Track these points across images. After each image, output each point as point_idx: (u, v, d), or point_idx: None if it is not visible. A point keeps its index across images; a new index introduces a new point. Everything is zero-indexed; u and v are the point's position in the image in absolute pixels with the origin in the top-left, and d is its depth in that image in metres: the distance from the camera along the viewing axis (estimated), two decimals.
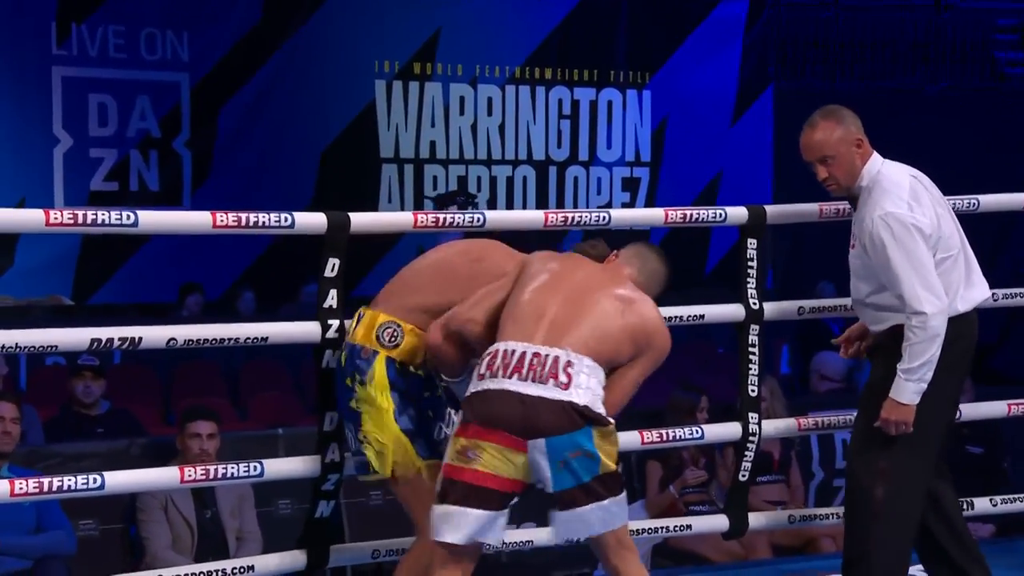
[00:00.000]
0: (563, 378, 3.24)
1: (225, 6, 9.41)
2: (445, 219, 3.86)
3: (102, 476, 3.42)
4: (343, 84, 9.73)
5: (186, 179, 9.35)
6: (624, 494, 3.32)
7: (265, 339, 3.64)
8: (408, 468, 3.50)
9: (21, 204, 8.31)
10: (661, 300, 4.36)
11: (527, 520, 5.87)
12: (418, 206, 9.74)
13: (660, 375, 8.88)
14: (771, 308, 4.25)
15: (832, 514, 4.51)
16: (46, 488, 3.34)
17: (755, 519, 4.34)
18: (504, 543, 4.00)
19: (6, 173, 8.63)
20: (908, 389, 3.69)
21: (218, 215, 3.53)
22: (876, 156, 3.83)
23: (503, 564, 4.80)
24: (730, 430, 4.25)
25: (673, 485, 5.84)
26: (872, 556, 3.75)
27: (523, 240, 3.76)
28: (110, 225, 3.37)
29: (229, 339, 3.60)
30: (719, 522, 4.31)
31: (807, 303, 4.36)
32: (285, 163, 9.46)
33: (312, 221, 3.64)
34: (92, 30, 8.98)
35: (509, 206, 10.12)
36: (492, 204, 10.13)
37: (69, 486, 3.37)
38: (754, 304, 4.18)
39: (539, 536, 4.04)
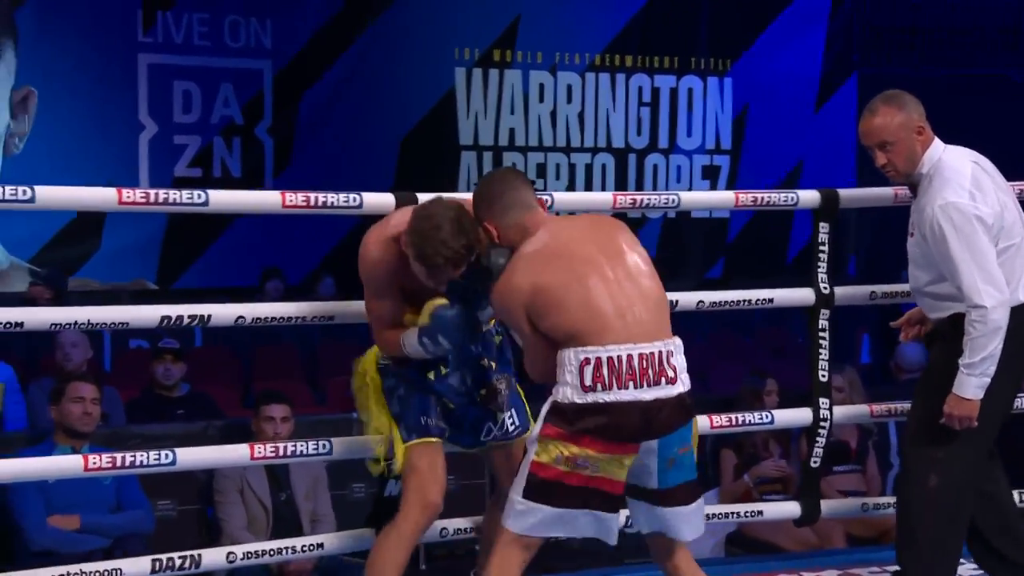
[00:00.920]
0: (670, 372, 3.21)
1: None
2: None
3: (174, 452, 3.48)
4: (423, 71, 9.77)
5: (268, 165, 9.46)
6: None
7: (331, 317, 3.68)
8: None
9: None
10: (732, 286, 4.36)
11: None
12: None
13: (735, 362, 8.85)
14: (842, 292, 4.20)
15: None
16: (119, 463, 3.41)
17: (827, 506, 4.31)
18: None
19: (92, 160, 8.78)
20: (971, 384, 3.64)
21: (287, 195, 3.57)
22: (937, 142, 3.77)
23: (575, 550, 4.80)
24: (801, 415, 4.21)
25: (748, 475, 5.80)
26: (923, 545, 3.72)
27: None
28: (181, 204, 3.42)
29: (300, 317, 3.64)
30: (791, 509, 4.27)
31: (880, 288, 4.31)
32: (365, 150, 9.53)
33: (379, 201, 3.66)
34: (177, 17, 9.10)
35: None
36: (571, 192, 10.11)
37: (141, 461, 3.43)
38: (824, 288, 4.14)
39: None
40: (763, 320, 9.49)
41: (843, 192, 4.22)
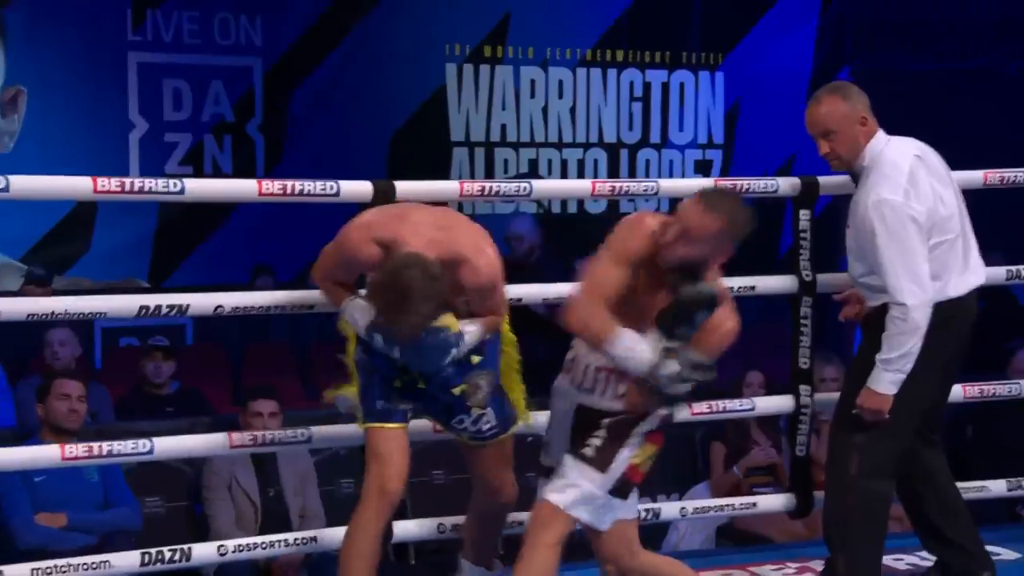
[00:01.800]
0: None
1: None
2: (491, 188, 3.86)
3: (151, 442, 3.48)
4: (413, 67, 9.76)
5: (259, 163, 9.45)
6: None
7: (312, 307, 3.67)
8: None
9: None
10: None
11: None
12: None
13: (729, 357, 8.82)
14: (824, 280, 4.20)
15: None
16: (96, 452, 3.40)
17: (821, 498, 4.28)
18: None
19: (83, 158, 8.76)
20: (885, 379, 3.68)
21: (264, 183, 3.57)
22: (881, 134, 3.79)
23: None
24: (782, 403, 4.21)
25: (737, 466, 5.80)
26: (848, 526, 3.77)
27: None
28: (157, 193, 3.41)
29: (275, 307, 3.63)
30: (784, 501, 4.27)
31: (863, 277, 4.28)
32: (356, 147, 9.52)
33: (357, 189, 3.66)
34: (166, 16, 9.09)
35: None
36: None
37: (119, 451, 3.42)
38: (807, 276, 4.14)
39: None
40: (758, 316, 9.47)
41: (823, 179, 4.23)
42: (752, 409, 4.20)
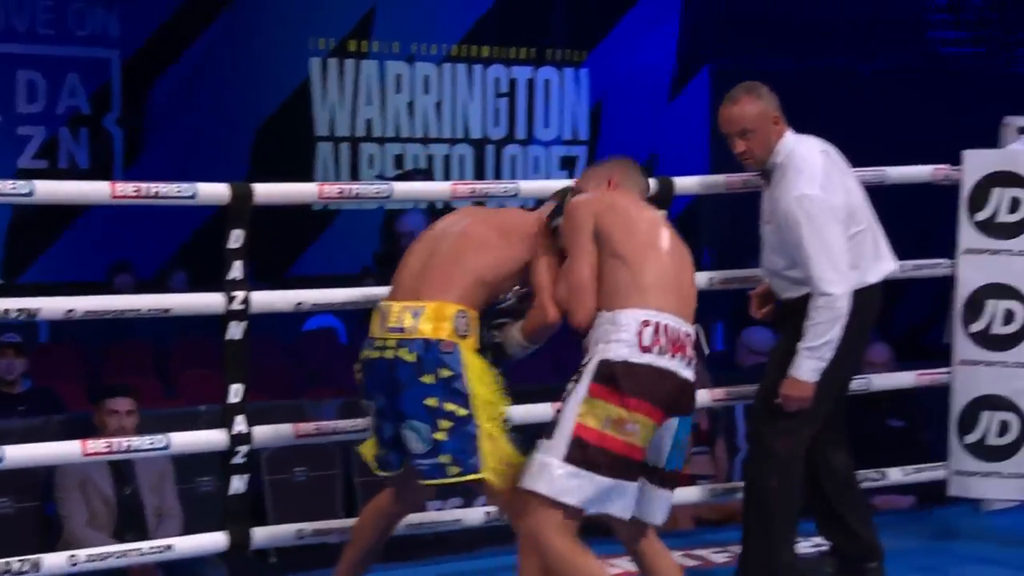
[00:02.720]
0: (691, 356, 3.27)
1: None
2: (350, 190, 3.83)
3: (1, 448, 3.38)
4: (277, 61, 9.67)
5: (117, 157, 9.26)
6: None
7: (167, 310, 3.61)
8: (508, 466, 3.27)
9: None
10: None
11: (453, 498, 5.88)
12: None
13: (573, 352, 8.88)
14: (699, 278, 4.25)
15: None
16: None
17: (679, 493, 4.34)
18: (433, 521, 4.02)
19: None
20: (808, 367, 3.77)
21: (118, 185, 3.49)
22: (790, 132, 3.89)
23: (428, 542, 4.79)
24: None
25: None
26: (770, 507, 3.85)
27: None
28: (3, 195, 3.32)
29: (130, 310, 3.56)
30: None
31: (719, 274, 4.39)
32: (218, 142, 9.38)
33: (215, 192, 3.60)
34: (19, 5, 8.87)
35: None
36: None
37: None
38: None
39: (467, 515, 4.03)
40: None
41: (678, 180, 4.29)
42: None
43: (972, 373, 4.52)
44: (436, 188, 4.28)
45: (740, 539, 3.97)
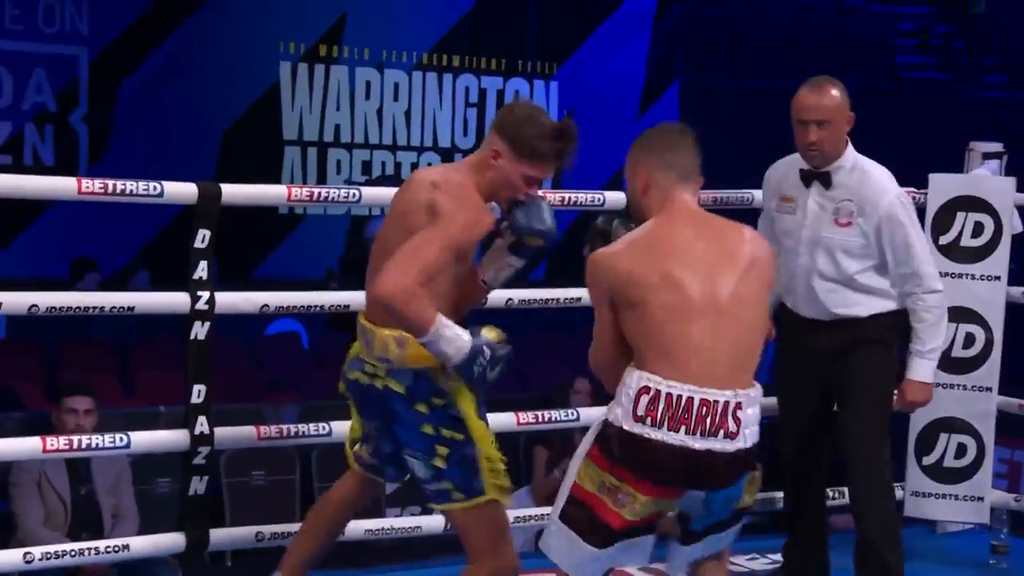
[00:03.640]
0: (732, 426, 2.88)
1: None
2: (319, 193, 3.82)
3: None
4: (247, 64, 9.63)
5: (82, 155, 9.20)
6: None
7: (132, 308, 3.58)
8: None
9: None
10: (555, 287, 4.39)
11: (411, 504, 5.87)
12: None
13: (554, 362, 8.91)
14: None
15: None
16: None
17: None
18: (392, 528, 4.00)
19: None
20: (930, 368, 3.80)
21: (84, 182, 3.46)
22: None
23: (384, 548, 4.78)
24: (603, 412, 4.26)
25: (558, 468, 5.86)
26: (895, 528, 3.87)
27: None
28: None
29: (94, 308, 3.53)
30: None
31: None
32: (185, 142, 9.34)
33: (182, 191, 3.58)
34: None
35: None
36: None
37: None
38: None
39: (425, 523, 4.02)
40: (585, 321, 9.60)
41: None
42: (577, 419, 4.23)
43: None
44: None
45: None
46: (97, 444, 3.60)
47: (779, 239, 3.87)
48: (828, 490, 4.21)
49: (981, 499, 4.57)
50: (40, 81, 9.02)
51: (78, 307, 3.51)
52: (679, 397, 2.87)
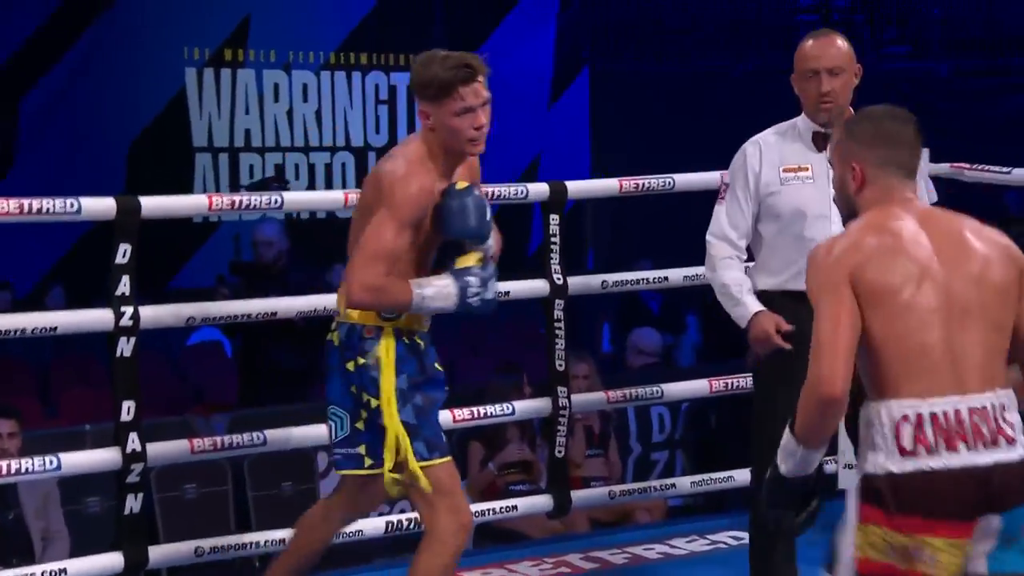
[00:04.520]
0: (1008, 430, 2.51)
1: None
2: (241, 201, 3.78)
3: None
4: (151, 72, 9.49)
5: None
6: None
7: (55, 328, 3.52)
8: (406, 472, 3.12)
9: None
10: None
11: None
12: None
13: (481, 356, 8.92)
14: (576, 282, 4.28)
15: (649, 487, 4.60)
16: None
17: (577, 497, 4.38)
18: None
19: None
20: None
21: None
22: None
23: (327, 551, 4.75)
24: (540, 405, 4.27)
25: (492, 463, 5.86)
26: None
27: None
28: None
29: (15, 331, 3.46)
30: (543, 502, 4.33)
31: (611, 277, 4.41)
32: (93, 155, 9.19)
33: (100, 207, 3.52)
34: None
35: None
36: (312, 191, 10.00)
37: None
38: (558, 279, 4.21)
39: (367, 526, 4.00)
40: (508, 313, 9.61)
41: (571, 184, 4.31)
42: (513, 413, 4.24)
43: None
44: (329, 197, 4.22)
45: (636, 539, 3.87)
46: (27, 468, 3.53)
47: (789, 215, 3.58)
48: None
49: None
50: None
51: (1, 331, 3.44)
52: (946, 414, 2.49)
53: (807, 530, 2.87)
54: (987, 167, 4.66)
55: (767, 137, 3.72)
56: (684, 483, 4.81)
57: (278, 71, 10.05)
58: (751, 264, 3.72)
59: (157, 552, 3.74)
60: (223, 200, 3.74)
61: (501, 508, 4.33)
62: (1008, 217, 8.38)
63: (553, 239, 4.21)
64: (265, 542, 3.83)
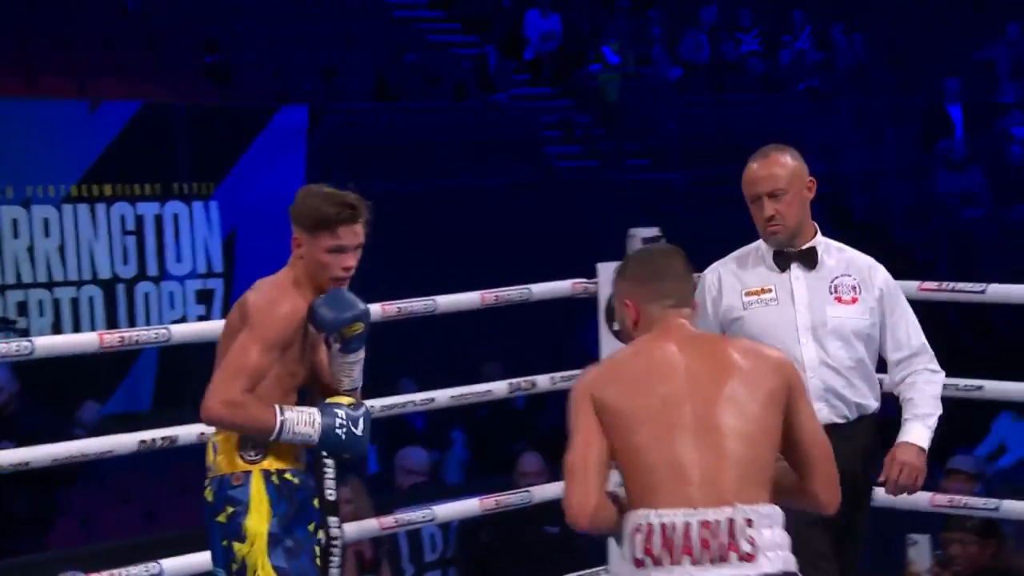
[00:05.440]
0: (745, 546, 2.50)
1: None
2: (131, 337, 3.62)
3: None
4: None
5: None
6: None
7: None
8: None
9: None
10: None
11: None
12: None
13: None
14: None
15: None
16: None
17: None
18: None
19: None
20: (928, 437, 3.43)
21: None
22: None
23: None
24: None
25: None
26: None
27: None
28: None
29: None
30: None
31: (378, 402, 4.36)
32: None
33: None
34: None
35: (76, 328, 9.66)
36: (57, 328, 9.64)
37: None
38: None
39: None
40: None
41: None
42: None
43: None
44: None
45: None
46: None
47: (755, 339, 3.41)
48: None
49: None
50: None
51: None
52: (673, 525, 2.51)
53: None
54: None
55: (727, 263, 3.64)
56: None
57: (17, 207, 9.72)
58: None
59: None
60: (113, 337, 3.59)
61: None
62: None
63: None
64: None
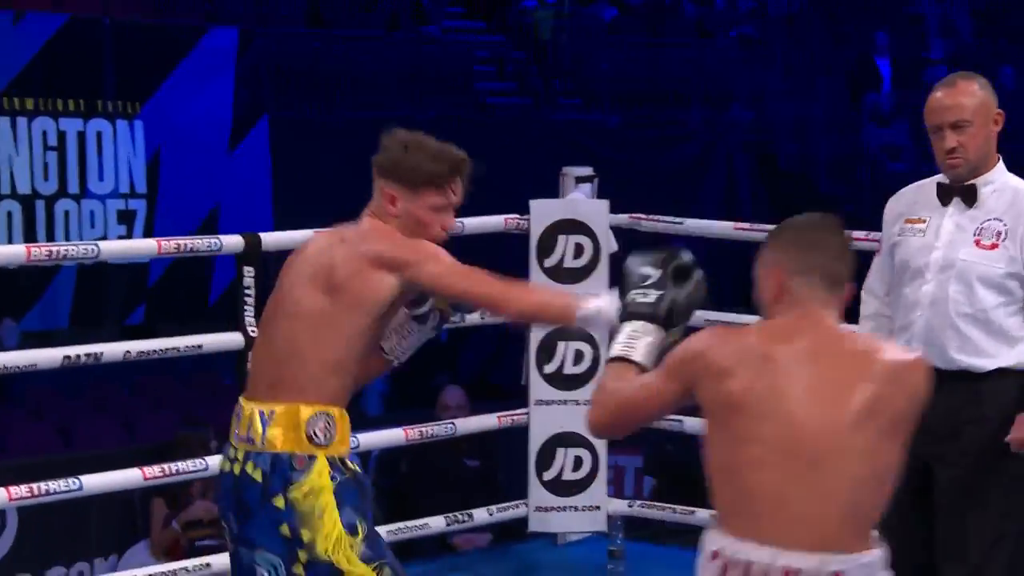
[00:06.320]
0: None
1: None
2: (59, 251, 3.61)
3: None
4: None
5: None
6: None
7: None
8: None
9: None
10: (156, 331, 4.24)
11: None
12: None
13: (166, 410, 8.74)
14: None
15: None
16: None
17: None
18: None
19: None
20: None
21: None
22: None
23: None
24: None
25: (176, 520, 5.73)
26: None
27: None
28: None
29: None
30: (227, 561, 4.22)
31: None
32: None
33: None
34: None
35: None
36: None
37: None
38: (252, 332, 4.14)
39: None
40: (192, 364, 9.38)
41: (265, 236, 4.29)
42: (207, 469, 4.13)
43: (548, 412, 4.74)
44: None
45: None
46: None
47: (898, 270, 3.35)
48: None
49: (598, 508, 4.79)
50: None
51: None
52: (750, 565, 2.23)
53: None
54: (661, 217, 4.89)
55: (910, 189, 3.50)
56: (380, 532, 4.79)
57: None
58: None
59: None
60: (41, 251, 3.57)
61: (193, 567, 4.20)
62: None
63: (247, 291, 4.16)
64: None
